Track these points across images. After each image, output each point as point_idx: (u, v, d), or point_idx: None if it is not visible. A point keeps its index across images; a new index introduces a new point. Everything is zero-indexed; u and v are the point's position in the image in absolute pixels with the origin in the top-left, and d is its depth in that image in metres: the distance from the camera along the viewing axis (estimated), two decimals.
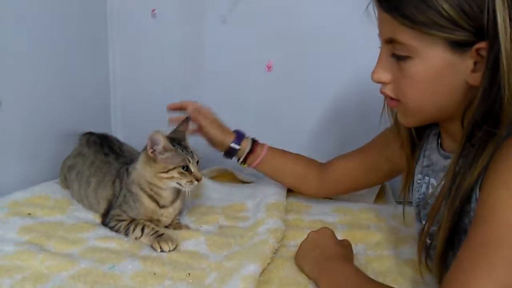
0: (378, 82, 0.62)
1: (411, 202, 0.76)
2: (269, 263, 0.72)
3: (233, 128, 1.02)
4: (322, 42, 1.16)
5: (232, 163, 1.24)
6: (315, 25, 1.15)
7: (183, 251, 0.79)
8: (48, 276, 0.67)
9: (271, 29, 1.18)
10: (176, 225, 0.90)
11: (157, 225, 0.86)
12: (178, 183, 0.82)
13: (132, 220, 0.85)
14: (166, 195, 0.86)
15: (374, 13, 0.60)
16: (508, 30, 0.49)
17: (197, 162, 0.84)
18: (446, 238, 0.58)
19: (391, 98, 0.62)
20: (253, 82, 1.23)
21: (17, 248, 0.74)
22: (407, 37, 0.54)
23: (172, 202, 0.88)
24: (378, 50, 0.62)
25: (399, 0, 0.53)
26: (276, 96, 1.22)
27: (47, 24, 1.11)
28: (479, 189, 0.53)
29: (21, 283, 0.65)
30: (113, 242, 0.81)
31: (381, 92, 0.64)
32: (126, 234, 0.84)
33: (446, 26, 0.51)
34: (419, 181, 0.73)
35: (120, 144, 1.06)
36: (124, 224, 0.85)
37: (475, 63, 0.53)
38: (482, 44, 0.51)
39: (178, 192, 0.88)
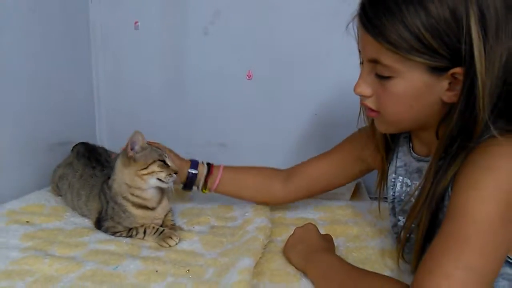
0: (360, 95, 0.69)
1: (385, 198, 0.85)
2: (260, 257, 0.80)
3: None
4: (300, 52, 1.24)
5: None
6: (294, 36, 1.24)
7: (180, 250, 0.85)
8: (58, 277, 0.72)
9: (251, 40, 1.26)
10: (170, 226, 0.95)
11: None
12: (158, 179, 0.87)
13: (131, 229, 0.91)
14: (151, 196, 0.91)
15: (354, 29, 0.66)
16: (483, 59, 0.55)
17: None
18: (425, 232, 0.65)
19: (371, 110, 0.69)
20: (234, 91, 1.31)
21: (22, 254, 0.79)
22: (390, 60, 0.60)
23: (159, 202, 0.93)
24: (359, 65, 0.69)
25: (385, 28, 0.58)
26: (256, 104, 1.30)
27: (31, 37, 1.14)
28: (451, 189, 0.61)
29: (33, 285, 0.70)
30: (113, 244, 0.86)
31: (362, 104, 0.72)
32: (130, 236, 0.90)
33: (427, 53, 0.57)
34: (393, 180, 0.82)
35: (107, 155, 1.10)
36: (124, 233, 0.91)
37: (449, 83, 0.61)
38: (457, 69, 0.58)
39: (161, 191, 0.93)
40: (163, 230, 0.90)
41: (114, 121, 1.44)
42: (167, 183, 0.87)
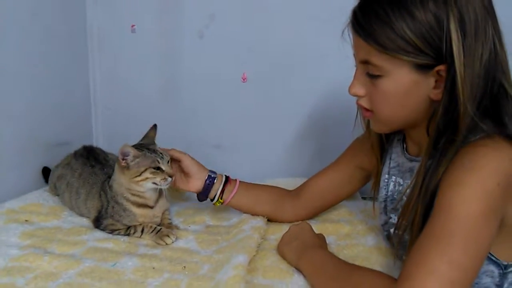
0: (355, 96, 0.73)
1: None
2: (254, 255, 0.82)
3: None
4: (294, 55, 1.27)
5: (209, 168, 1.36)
6: (288, 39, 1.26)
7: (176, 248, 0.88)
8: (57, 274, 0.74)
9: (246, 43, 1.29)
10: (167, 225, 0.98)
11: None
12: (154, 183, 0.89)
13: (130, 227, 0.93)
14: (150, 195, 0.93)
15: (349, 35, 0.71)
16: (462, 56, 0.60)
17: (168, 161, 0.92)
18: (419, 229, 0.66)
19: (366, 109, 0.73)
20: (229, 93, 1.33)
21: (22, 251, 0.81)
22: (379, 60, 0.65)
23: (157, 200, 0.96)
24: (353, 67, 0.72)
25: (374, 30, 0.64)
26: (251, 106, 1.33)
27: (30, 40, 1.16)
28: (439, 187, 0.64)
29: (34, 281, 0.72)
30: (110, 243, 0.88)
31: (357, 104, 0.75)
32: (128, 235, 0.93)
33: (412, 52, 0.62)
34: (386, 180, 0.85)
35: (105, 154, 1.12)
36: (122, 231, 0.93)
37: (436, 81, 0.65)
38: (441, 67, 0.62)
39: (159, 191, 0.96)
40: (160, 228, 0.93)
41: (111, 122, 1.46)
42: (163, 185, 0.90)
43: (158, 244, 0.89)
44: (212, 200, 0.97)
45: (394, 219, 0.83)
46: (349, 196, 1.00)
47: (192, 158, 0.97)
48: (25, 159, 1.17)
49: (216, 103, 1.35)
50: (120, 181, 0.92)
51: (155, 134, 0.99)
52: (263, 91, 1.32)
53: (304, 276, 0.75)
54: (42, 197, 1.08)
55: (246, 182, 1.00)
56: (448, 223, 0.58)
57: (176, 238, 0.91)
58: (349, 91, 0.73)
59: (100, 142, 1.47)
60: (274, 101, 1.32)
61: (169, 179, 0.90)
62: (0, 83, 1.07)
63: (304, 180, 1.02)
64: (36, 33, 1.18)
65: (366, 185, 0.96)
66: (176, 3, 1.32)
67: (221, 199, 0.96)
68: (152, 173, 0.88)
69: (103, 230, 0.94)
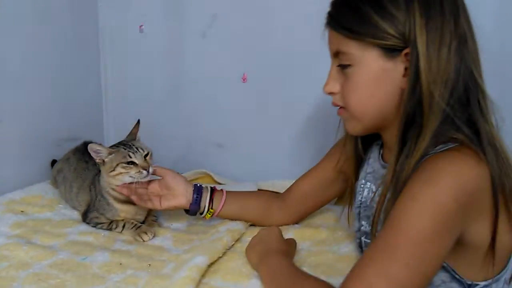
0: (329, 93, 0.72)
1: None
2: (220, 257, 0.83)
3: None
4: (295, 55, 1.25)
5: (212, 167, 1.38)
6: (289, 39, 1.25)
7: (150, 245, 0.90)
8: (30, 264, 0.80)
9: (247, 43, 1.29)
10: (150, 222, 1.01)
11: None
12: (130, 176, 0.91)
13: (112, 221, 0.97)
14: None
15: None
16: (424, 36, 0.60)
17: (147, 155, 0.94)
18: None
19: (340, 107, 0.72)
20: (230, 93, 1.34)
21: (7, 240, 0.87)
22: (348, 46, 0.65)
23: None
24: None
25: (341, 17, 0.66)
26: (251, 106, 1.33)
27: (42, 40, 1.24)
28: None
29: (7, 269, 0.77)
30: (91, 236, 0.93)
31: (333, 104, 0.74)
32: (110, 229, 0.96)
33: (378, 34, 0.62)
34: (362, 186, 0.83)
35: None
36: (105, 226, 0.97)
37: (405, 69, 0.63)
38: (408, 50, 0.61)
39: None
40: (140, 225, 0.96)
41: (121, 119, 1.52)
42: (140, 179, 0.92)
43: (136, 240, 0.93)
44: (202, 214, 0.96)
45: (365, 226, 0.81)
46: (332, 200, 0.99)
47: (177, 173, 0.97)
48: (35, 153, 1.24)
49: (218, 102, 1.37)
50: (104, 177, 0.96)
51: (137, 130, 1.01)
52: (263, 91, 1.31)
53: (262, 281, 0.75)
54: (44, 189, 1.15)
55: (233, 192, 1.00)
56: (394, 237, 0.56)
57: (154, 236, 0.94)
58: (323, 89, 0.72)
59: (111, 138, 1.53)
60: (274, 102, 1.32)
61: (144, 172, 0.90)
62: (15, 81, 1.16)
63: None
64: (50, 34, 1.26)
65: None
66: (180, 2, 1.35)
67: (211, 209, 0.95)
68: (124, 167, 0.91)
69: (88, 223, 0.99)
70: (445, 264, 0.63)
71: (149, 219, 1.02)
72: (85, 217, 1.00)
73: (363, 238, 0.81)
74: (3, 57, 1.13)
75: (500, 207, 0.59)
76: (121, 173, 0.91)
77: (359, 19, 0.63)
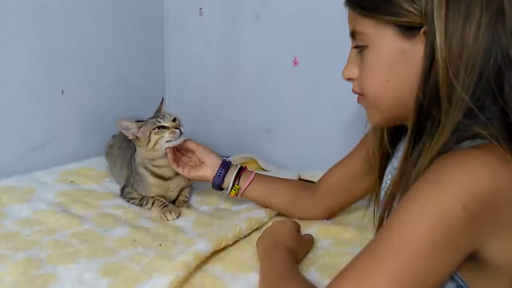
0: (348, 79, 0.65)
1: None
2: (230, 245, 0.81)
3: None
4: (347, 41, 1.15)
5: (259, 152, 1.35)
6: (343, 23, 1.15)
7: (170, 225, 0.91)
8: (56, 231, 0.85)
9: (299, 25, 1.22)
10: (181, 202, 1.02)
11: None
12: (166, 141, 0.92)
13: (143, 197, 1.00)
14: (167, 164, 0.96)
15: None
16: (443, 9, 0.50)
17: (175, 119, 0.96)
18: None
19: (359, 95, 0.64)
20: (281, 77, 1.29)
21: (46, 207, 0.95)
22: (363, 25, 0.58)
23: (175, 173, 0.99)
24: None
25: None
26: (302, 91, 1.26)
27: (109, 20, 1.32)
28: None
29: (34, 234, 0.84)
30: (121, 211, 0.97)
31: (352, 91, 0.66)
32: (141, 205, 1.00)
33: (392, 10, 0.54)
34: (387, 182, 0.74)
35: None
36: (137, 201, 1.01)
37: (425, 50, 0.54)
38: (425, 28, 0.53)
39: None
40: (168, 204, 0.98)
41: (181, 99, 1.56)
42: (175, 139, 0.93)
43: (161, 218, 0.94)
44: (227, 190, 0.94)
45: None
46: (366, 195, 0.88)
47: (208, 148, 0.98)
48: (98, 128, 1.33)
49: (269, 86, 1.32)
50: (140, 153, 0.99)
51: (161, 107, 1.04)
52: (314, 76, 1.24)
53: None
54: (98, 163, 1.23)
55: (263, 174, 0.97)
56: (385, 244, 0.49)
57: (178, 216, 0.95)
58: (342, 74, 0.65)
59: None
60: (326, 88, 1.23)
61: (177, 131, 0.92)
62: (76, 64, 1.25)
63: None
64: (117, 15, 1.34)
65: None
66: None
67: (237, 185, 0.93)
68: (157, 133, 0.93)
69: (124, 198, 1.03)
70: (461, 283, 0.52)
71: (180, 198, 1.03)
72: (122, 192, 1.05)
73: None
74: (70, 36, 1.22)
75: None
76: (157, 140, 0.93)
77: None
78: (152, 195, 1.00)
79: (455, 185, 0.47)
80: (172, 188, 1.01)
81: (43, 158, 1.21)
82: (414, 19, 0.53)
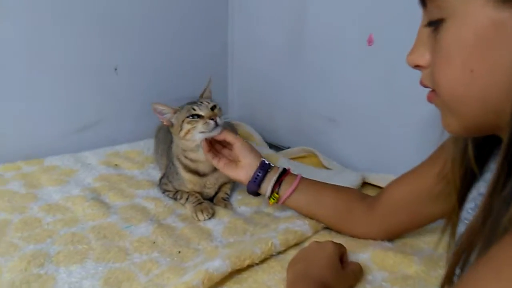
0: (415, 67, 0.46)
1: None
2: (257, 263, 0.67)
3: None
4: None
5: (321, 145, 1.17)
6: None
7: (199, 227, 0.80)
8: (78, 222, 0.79)
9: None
10: (219, 199, 0.91)
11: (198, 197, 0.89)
12: (199, 132, 0.81)
13: (178, 191, 0.91)
14: (203, 159, 0.86)
15: None
16: None
17: (214, 108, 0.83)
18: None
19: (431, 90, 0.45)
20: (352, 57, 1.09)
21: (79, 193, 0.90)
22: None
23: (213, 169, 0.88)
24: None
25: None
26: (376, 75, 1.05)
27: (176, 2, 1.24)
28: None
29: (56, 222, 0.79)
30: (153, 203, 0.88)
31: (421, 83, 0.47)
32: (175, 199, 0.91)
33: None
34: (469, 211, 0.53)
35: None
36: (171, 194, 0.92)
37: None
38: None
39: None
40: (202, 202, 0.87)
41: (244, 81, 1.44)
42: (209, 131, 0.81)
43: (192, 217, 0.84)
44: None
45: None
46: (438, 219, 0.68)
47: (248, 144, 0.83)
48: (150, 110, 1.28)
49: (336, 69, 1.13)
50: (176, 142, 0.89)
51: (206, 87, 0.92)
52: (392, 59, 1.01)
53: None
54: (148, 146, 1.16)
55: (310, 179, 0.81)
56: None
57: (211, 216, 0.84)
58: (406, 60, 0.47)
59: (234, 98, 1.48)
60: (404, 74, 0.98)
61: (211, 122, 0.80)
62: (129, 41, 1.19)
63: None
64: None
65: None
66: None
67: (276, 193, 0.78)
68: (189, 122, 0.82)
69: (160, 188, 0.95)
70: None
71: (220, 195, 0.92)
72: (159, 182, 0.96)
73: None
74: (125, 11, 1.16)
75: None
76: (189, 130, 0.82)
77: None
78: (187, 190, 0.90)
79: None
80: (210, 185, 0.90)
81: (94, 137, 1.18)
82: None
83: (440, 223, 0.66)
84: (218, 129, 0.81)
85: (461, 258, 0.42)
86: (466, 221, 0.53)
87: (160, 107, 0.85)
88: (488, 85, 0.38)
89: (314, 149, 1.16)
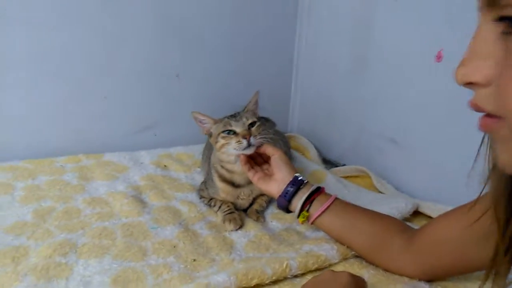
0: (464, 84, 0.36)
1: None
2: (268, 283, 0.63)
3: None
4: None
5: (377, 166, 1.09)
6: None
7: (224, 238, 0.79)
8: (111, 217, 0.83)
9: (447, 10, 0.90)
10: (252, 211, 0.89)
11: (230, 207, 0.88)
12: (234, 149, 0.80)
13: (212, 198, 0.91)
14: (239, 171, 0.85)
15: None
16: None
17: (253, 124, 0.81)
18: None
19: (487, 115, 0.36)
20: (418, 74, 0.99)
21: (123, 189, 0.94)
22: None
23: (249, 182, 0.86)
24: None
25: None
26: (444, 93, 0.94)
27: (242, 9, 1.26)
28: None
29: (93, 216, 0.83)
30: (187, 208, 0.89)
31: (471, 105, 0.37)
32: (209, 206, 0.91)
33: None
34: None
35: None
36: (206, 200, 0.92)
37: None
38: None
39: None
40: (233, 212, 0.85)
41: (306, 93, 1.40)
42: (241, 150, 0.79)
43: (221, 226, 0.83)
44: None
45: None
46: (483, 268, 0.58)
47: (285, 157, 0.80)
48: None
49: (402, 86, 1.05)
50: (214, 151, 0.89)
51: (252, 101, 0.89)
52: None
53: None
54: (200, 151, 1.18)
55: (346, 202, 0.75)
56: None
57: (239, 228, 0.82)
58: (455, 75, 0.36)
59: (296, 110, 1.44)
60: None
61: (244, 141, 0.78)
62: (191, 49, 1.22)
63: None
64: (251, 5, 1.27)
65: None
66: None
67: (306, 211, 0.74)
68: (224, 137, 0.81)
69: (197, 193, 0.95)
70: None
71: (254, 207, 0.89)
72: (199, 187, 0.97)
73: None
74: (191, 20, 1.20)
75: None
76: (222, 144, 0.82)
77: None
78: (220, 199, 0.89)
79: None
80: (243, 196, 0.88)
81: (152, 138, 1.23)
82: None
83: None
84: (251, 149, 0.79)
85: None
86: None
87: (200, 117, 0.85)
88: None
89: (369, 170, 1.08)
